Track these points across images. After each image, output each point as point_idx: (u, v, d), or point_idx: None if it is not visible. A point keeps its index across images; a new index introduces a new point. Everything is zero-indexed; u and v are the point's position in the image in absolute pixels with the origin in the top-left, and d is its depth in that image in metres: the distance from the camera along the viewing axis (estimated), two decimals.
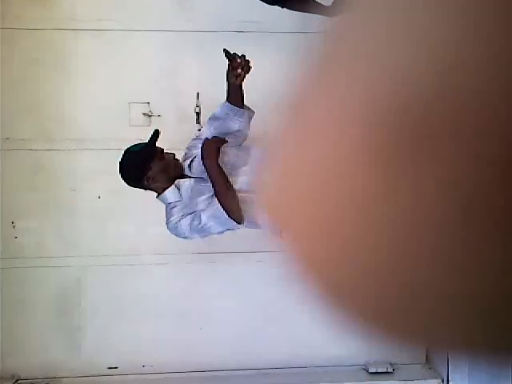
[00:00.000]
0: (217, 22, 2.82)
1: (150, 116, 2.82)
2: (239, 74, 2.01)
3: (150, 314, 2.84)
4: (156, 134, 2.01)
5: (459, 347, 0.21)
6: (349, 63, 0.20)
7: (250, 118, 2.15)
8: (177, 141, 2.80)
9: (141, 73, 2.83)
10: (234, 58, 1.98)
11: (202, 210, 1.95)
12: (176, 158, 2.08)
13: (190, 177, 2.05)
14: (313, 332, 2.56)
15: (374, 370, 2.71)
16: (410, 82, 0.17)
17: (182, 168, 2.06)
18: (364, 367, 2.78)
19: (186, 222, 1.95)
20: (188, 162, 2.09)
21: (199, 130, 2.59)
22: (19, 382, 2.78)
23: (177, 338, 2.83)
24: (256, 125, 2.71)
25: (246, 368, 2.82)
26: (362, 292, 0.21)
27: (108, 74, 2.82)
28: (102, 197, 2.84)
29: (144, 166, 1.97)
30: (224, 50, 1.97)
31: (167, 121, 2.83)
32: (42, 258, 2.83)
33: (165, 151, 2.04)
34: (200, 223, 1.93)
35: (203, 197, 1.99)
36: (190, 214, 1.97)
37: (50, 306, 2.84)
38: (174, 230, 1.97)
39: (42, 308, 2.83)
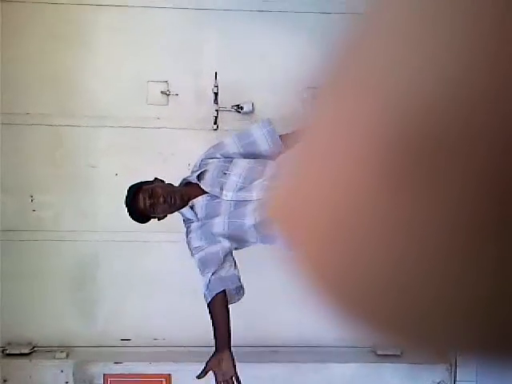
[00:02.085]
0: (238, 1, 2.79)
1: (167, 95, 2.83)
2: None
3: (162, 290, 2.89)
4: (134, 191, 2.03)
5: (466, 349, 0.21)
6: (360, 77, 0.20)
7: (279, 154, 2.12)
8: (193, 120, 2.84)
9: (160, 51, 2.83)
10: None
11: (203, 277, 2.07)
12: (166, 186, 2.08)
13: (203, 191, 2.04)
14: (319, 309, 2.59)
15: (382, 352, 2.75)
16: (417, 97, 0.18)
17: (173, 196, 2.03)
18: (372, 349, 2.82)
19: (196, 257, 2.08)
20: (197, 173, 2.08)
21: (216, 116, 2.58)
22: (35, 349, 2.87)
23: (188, 313, 2.87)
24: (274, 106, 2.73)
25: (255, 345, 2.87)
26: (370, 300, 0.21)
27: (127, 51, 2.82)
28: (119, 174, 2.88)
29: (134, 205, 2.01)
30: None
31: (185, 100, 2.84)
32: (60, 232, 2.89)
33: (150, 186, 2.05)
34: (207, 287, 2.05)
35: (218, 219, 2.00)
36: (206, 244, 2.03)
37: (66, 278, 2.90)
38: (190, 251, 2.09)
39: (59, 280, 2.90)
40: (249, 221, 1.98)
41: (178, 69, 2.83)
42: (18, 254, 2.86)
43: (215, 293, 2.00)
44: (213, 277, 2.00)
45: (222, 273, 2.01)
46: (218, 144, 2.17)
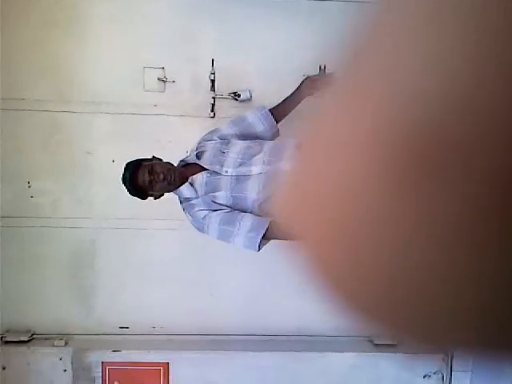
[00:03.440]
0: None
1: (164, 81, 2.78)
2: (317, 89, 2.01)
3: (160, 278, 2.89)
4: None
5: (463, 344, 0.21)
6: (365, 76, 0.20)
7: (274, 137, 2.15)
8: (190, 108, 2.80)
9: (156, 37, 2.78)
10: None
11: (236, 235, 1.94)
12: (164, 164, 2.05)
13: (202, 168, 2.02)
14: (319, 302, 2.59)
15: (379, 342, 2.75)
16: (420, 97, 0.18)
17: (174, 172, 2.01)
18: (369, 339, 2.82)
19: (214, 224, 1.96)
20: (195, 152, 2.07)
21: (212, 103, 2.55)
22: (34, 336, 2.88)
23: (187, 301, 2.89)
24: (272, 94, 2.68)
25: (253, 334, 2.88)
26: (372, 295, 0.22)
27: (123, 38, 2.78)
28: (116, 161, 2.85)
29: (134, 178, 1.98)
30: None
31: (181, 87, 2.80)
32: (57, 219, 2.88)
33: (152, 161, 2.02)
34: (230, 237, 1.95)
35: (220, 193, 1.97)
36: (214, 210, 1.97)
37: (64, 265, 2.90)
38: (201, 227, 2.01)
39: (57, 267, 2.90)
40: (251, 195, 1.96)
41: (175, 55, 2.79)
42: (16, 241, 2.86)
43: (259, 238, 1.92)
44: (244, 230, 1.94)
45: (248, 221, 1.94)
46: (213, 129, 2.17)
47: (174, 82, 2.77)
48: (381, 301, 0.21)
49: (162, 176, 1.95)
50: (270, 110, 2.12)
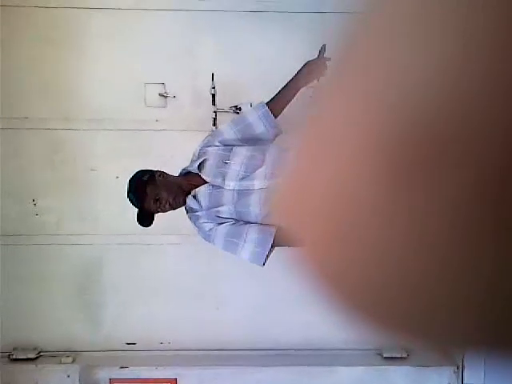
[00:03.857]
0: (233, 1, 2.74)
1: (165, 97, 2.79)
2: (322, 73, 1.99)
3: (166, 293, 2.88)
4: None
5: (473, 347, 0.22)
6: (359, 74, 0.20)
7: (276, 135, 2.10)
8: (192, 122, 2.79)
9: (156, 53, 2.79)
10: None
11: (242, 248, 1.93)
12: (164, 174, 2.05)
13: (204, 181, 2.01)
14: (327, 315, 2.56)
15: (389, 355, 2.71)
16: (413, 94, 0.18)
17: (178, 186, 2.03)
18: (378, 352, 2.78)
19: (220, 237, 1.96)
20: (197, 163, 2.04)
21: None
22: (41, 353, 2.88)
23: (193, 316, 2.87)
24: None
25: (260, 348, 2.86)
26: (372, 295, 0.21)
27: (123, 54, 2.79)
28: (119, 177, 2.85)
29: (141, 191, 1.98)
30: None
31: (183, 102, 2.81)
32: (63, 236, 2.89)
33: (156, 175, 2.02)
34: (236, 250, 1.94)
35: (223, 208, 1.97)
36: (219, 224, 1.97)
37: (70, 282, 2.90)
38: (207, 238, 2.00)
39: (63, 284, 2.90)
40: (254, 210, 1.95)
41: (175, 71, 2.80)
42: (23, 259, 2.87)
43: (266, 254, 1.92)
44: (250, 245, 1.93)
45: (254, 234, 1.93)
46: (214, 132, 2.16)
47: (174, 97, 2.77)
48: (382, 301, 0.21)
49: (167, 206, 1.99)
50: (267, 104, 2.08)
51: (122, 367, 2.78)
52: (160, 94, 2.77)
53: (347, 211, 0.20)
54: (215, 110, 2.64)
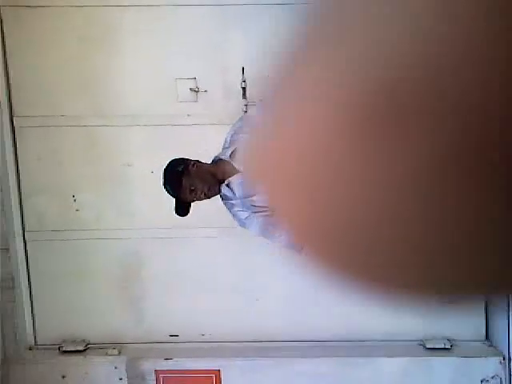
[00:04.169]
0: None
1: (196, 92, 2.77)
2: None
3: (206, 285, 2.91)
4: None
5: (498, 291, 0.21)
6: (336, 41, 0.20)
7: None
8: (223, 116, 2.76)
9: (186, 48, 2.77)
10: None
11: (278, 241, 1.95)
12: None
13: (238, 169, 2.00)
14: (369, 305, 2.53)
15: (432, 346, 2.67)
16: (393, 61, 0.18)
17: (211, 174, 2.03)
18: (421, 342, 2.74)
19: (256, 226, 1.98)
20: (229, 151, 2.03)
21: (245, 111, 2.50)
22: (89, 345, 2.98)
23: (233, 308, 2.90)
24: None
25: (300, 340, 2.87)
26: (362, 256, 0.21)
27: (155, 50, 2.79)
28: (154, 172, 2.86)
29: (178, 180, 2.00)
30: None
31: (213, 96, 2.79)
32: (103, 231, 2.94)
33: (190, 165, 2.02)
34: (272, 239, 1.97)
35: (257, 197, 1.94)
36: (254, 212, 1.97)
37: (112, 276, 2.97)
38: (243, 225, 2.03)
39: (106, 278, 2.97)
40: None
41: (206, 65, 2.78)
42: (65, 254, 2.95)
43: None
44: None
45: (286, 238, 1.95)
46: (243, 116, 2.16)
47: (206, 91, 2.75)
48: (376, 260, 0.21)
49: (203, 195, 2.01)
50: None
51: (166, 359, 2.85)
52: (191, 89, 2.76)
53: (324, 171, 0.20)
54: (246, 103, 2.62)
